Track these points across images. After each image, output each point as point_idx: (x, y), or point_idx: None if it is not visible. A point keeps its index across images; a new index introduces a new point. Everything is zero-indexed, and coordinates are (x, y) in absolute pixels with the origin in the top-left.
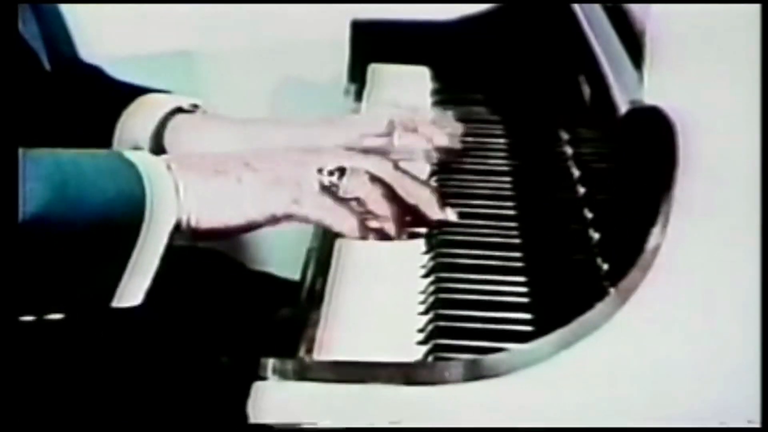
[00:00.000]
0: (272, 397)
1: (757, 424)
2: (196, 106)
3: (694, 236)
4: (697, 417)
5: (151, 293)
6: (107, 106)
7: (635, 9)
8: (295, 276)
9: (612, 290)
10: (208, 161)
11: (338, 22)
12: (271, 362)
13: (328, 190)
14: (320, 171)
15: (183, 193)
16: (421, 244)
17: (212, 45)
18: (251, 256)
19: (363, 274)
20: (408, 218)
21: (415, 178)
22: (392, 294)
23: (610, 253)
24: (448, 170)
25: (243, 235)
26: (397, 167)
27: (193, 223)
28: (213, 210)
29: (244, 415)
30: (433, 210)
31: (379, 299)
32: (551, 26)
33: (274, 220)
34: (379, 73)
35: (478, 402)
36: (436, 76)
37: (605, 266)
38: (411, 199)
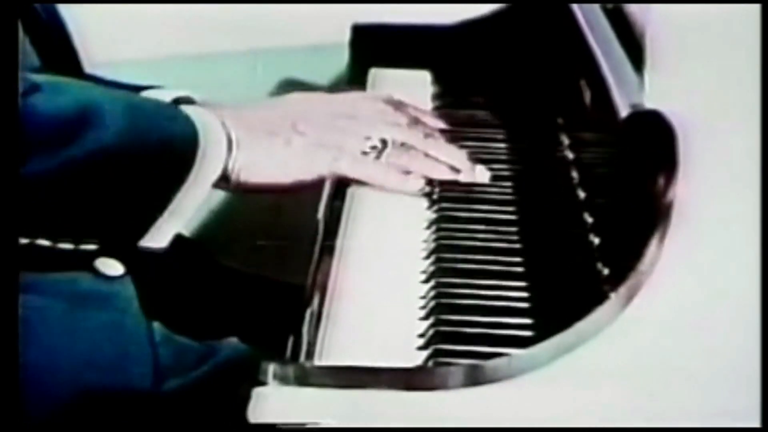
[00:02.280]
0: (272, 402)
1: (757, 424)
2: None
3: (695, 240)
4: (696, 419)
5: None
6: None
7: (635, 11)
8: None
9: (612, 295)
10: (259, 121)
11: (339, 25)
12: (271, 367)
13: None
14: (364, 140)
15: (235, 147)
16: (421, 248)
17: (212, 49)
18: (251, 261)
19: (363, 279)
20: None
21: (445, 143)
22: (393, 299)
23: (610, 258)
24: None
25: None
26: (427, 135)
27: (242, 178)
28: (261, 168)
29: (245, 420)
30: (466, 170)
31: (379, 304)
32: (552, 30)
33: (319, 179)
34: (380, 77)
35: (478, 407)
36: (437, 80)
37: (606, 271)
38: (447, 161)
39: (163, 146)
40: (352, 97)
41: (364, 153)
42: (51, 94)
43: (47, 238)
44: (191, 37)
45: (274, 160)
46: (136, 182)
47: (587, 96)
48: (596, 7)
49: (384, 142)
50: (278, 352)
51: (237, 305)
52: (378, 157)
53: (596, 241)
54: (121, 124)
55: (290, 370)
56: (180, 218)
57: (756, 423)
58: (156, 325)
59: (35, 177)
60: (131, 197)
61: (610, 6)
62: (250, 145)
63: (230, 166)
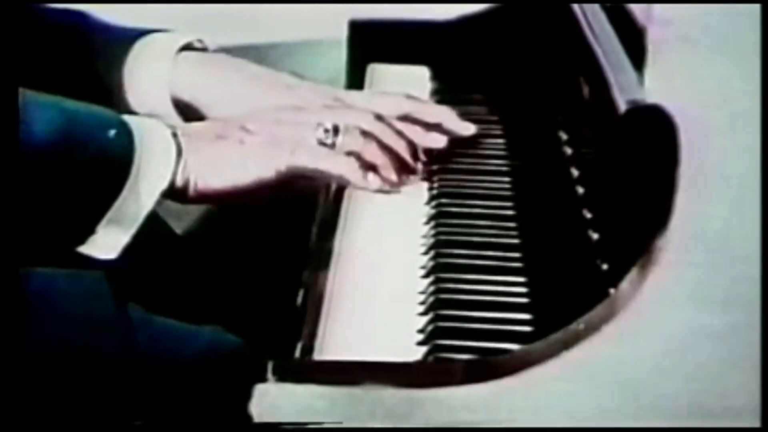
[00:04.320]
0: (272, 398)
1: (757, 424)
2: (201, 43)
3: (695, 236)
4: (697, 417)
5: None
6: (109, 54)
7: (635, 8)
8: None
9: (612, 291)
10: (209, 128)
11: (336, 21)
12: (270, 363)
13: (325, 146)
14: (316, 129)
15: (186, 156)
16: (420, 243)
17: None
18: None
19: (362, 274)
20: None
21: (393, 127)
22: (392, 295)
23: (609, 254)
24: (447, 170)
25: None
26: (379, 118)
27: (199, 186)
28: (218, 171)
29: (245, 416)
30: (412, 157)
31: (378, 300)
32: (550, 26)
33: (278, 175)
34: (379, 73)
35: (478, 403)
36: (436, 76)
37: (605, 266)
38: (397, 147)
39: (97, 153)
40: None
41: (321, 142)
42: None
43: None
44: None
45: (230, 162)
46: (67, 189)
47: (585, 92)
48: (595, 5)
49: (336, 128)
50: (272, 347)
51: (228, 297)
52: (333, 142)
53: (595, 236)
54: (50, 131)
55: (289, 365)
56: (124, 228)
57: (756, 423)
58: (133, 307)
59: None
60: (62, 203)
61: (608, 4)
62: (202, 151)
63: (182, 176)
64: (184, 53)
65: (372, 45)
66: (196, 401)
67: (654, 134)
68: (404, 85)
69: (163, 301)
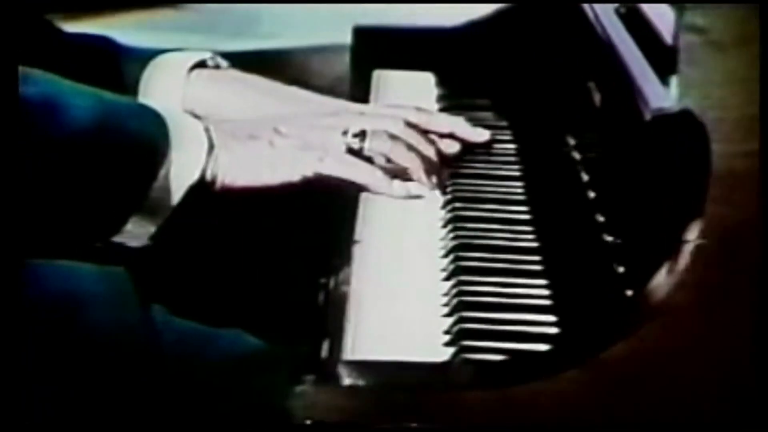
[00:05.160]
0: (303, 397)
1: None
2: (213, 60)
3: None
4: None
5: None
6: (126, 74)
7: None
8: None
9: (630, 293)
10: (242, 127)
11: (341, 27)
12: (301, 364)
13: (353, 152)
14: (344, 134)
15: (217, 152)
16: (438, 246)
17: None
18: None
19: (383, 276)
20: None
21: (422, 132)
22: (414, 296)
23: (624, 257)
24: (459, 175)
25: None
26: (408, 124)
27: (226, 181)
28: (246, 169)
29: (276, 416)
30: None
31: (401, 301)
32: (558, 29)
33: (304, 179)
34: (385, 79)
35: (504, 404)
36: (440, 82)
37: (621, 269)
38: (427, 151)
39: (132, 144)
40: (308, 105)
41: (350, 149)
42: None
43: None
44: (191, 39)
45: (259, 162)
46: (103, 178)
47: (596, 96)
48: (609, 8)
49: (363, 133)
50: (292, 347)
51: (249, 299)
52: (360, 147)
53: (609, 239)
54: (87, 118)
55: (318, 365)
56: (152, 218)
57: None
58: (157, 308)
59: None
60: (98, 192)
61: (623, 9)
62: (233, 149)
63: (211, 170)
64: (197, 71)
65: (376, 51)
66: (218, 403)
67: (684, 140)
68: (410, 91)
69: (183, 303)
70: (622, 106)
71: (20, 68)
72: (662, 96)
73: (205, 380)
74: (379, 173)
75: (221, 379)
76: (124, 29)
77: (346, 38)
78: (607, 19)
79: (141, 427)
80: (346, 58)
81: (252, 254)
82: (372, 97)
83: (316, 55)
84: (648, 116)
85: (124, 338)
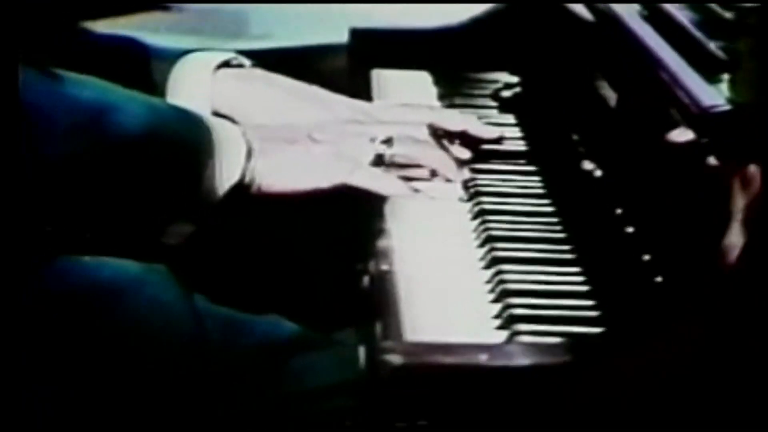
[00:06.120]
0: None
1: None
2: (237, 60)
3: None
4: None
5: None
6: (153, 74)
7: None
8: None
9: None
10: (276, 132)
11: (337, 28)
12: (362, 350)
13: (380, 160)
14: (372, 140)
15: (255, 155)
16: (472, 238)
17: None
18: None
19: (423, 265)
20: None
21: (442, 132)
22: (458, 284)
23: (648, 246)
24: (474, 171)
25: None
26: (429, 127)
27: (263, 186)
28: (283, 175)
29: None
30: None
31: (447, 288)
32: (558, 29)
33: (333, 187)
34: (384, 78)
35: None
36: (437, 81)
37: (646, 257)
38: (449, 151)
39: (180, 148)
40: (330, 105)
41: (378, 156)
42: (74, 86)
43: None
44: (191, 38)
45: (295, 168)
46: (152, 181)
47: (610, 97)
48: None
49: (390, 140)
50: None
51: (285, 287)
52: (387, 153)
53: (630, 230)
54: (139, 123)
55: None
56: (195, 218)
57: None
58: (198, 297)
59: (55, 159)
60: (148, 193)
61: (645, 12)
62: (271, 154)
63: (249, 174)
64: (222, 70)
65: (372, 52)
66: (260, 389)
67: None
68: (410, 90)
69: (223, 293)
70: (647, 104)
71: (69, 73)
72: (711, 94)
73: (245, 365)
74: (404, 186)
75: (261, 363)
76: (125, 26)
77: (338, 38)
78: (636, 22)
79: (185, 411)
80: (340, 57)
81: (285, 244)
82: (375, 95)
83: (311, 55)
84: (698, 112)
85: (170, 326)
